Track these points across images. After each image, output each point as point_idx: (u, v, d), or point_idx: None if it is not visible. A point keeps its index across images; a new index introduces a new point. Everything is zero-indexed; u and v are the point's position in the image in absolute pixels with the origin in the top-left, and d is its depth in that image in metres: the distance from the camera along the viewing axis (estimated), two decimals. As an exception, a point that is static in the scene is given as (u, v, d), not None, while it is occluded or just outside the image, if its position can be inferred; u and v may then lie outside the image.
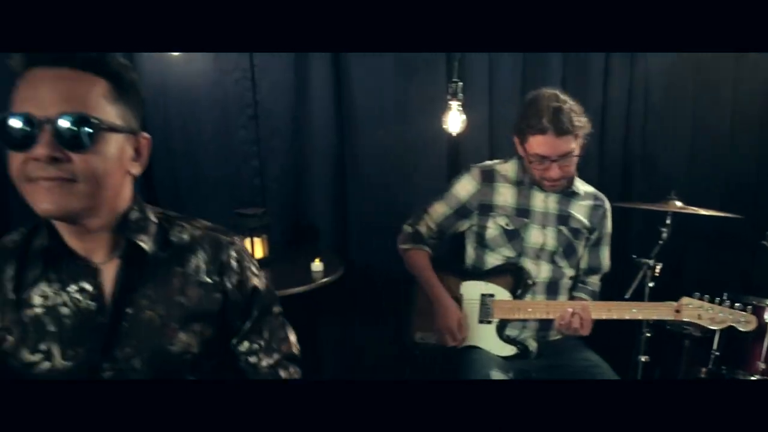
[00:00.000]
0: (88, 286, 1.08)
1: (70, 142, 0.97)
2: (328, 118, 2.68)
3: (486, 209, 2.15)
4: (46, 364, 1.07)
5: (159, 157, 2.47)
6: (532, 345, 2.14)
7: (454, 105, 2.36)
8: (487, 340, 2.13)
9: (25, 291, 1.09)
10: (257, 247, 2.43)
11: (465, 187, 2.18)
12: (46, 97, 0.97)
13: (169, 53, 2.39)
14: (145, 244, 1.10)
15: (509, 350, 2.10)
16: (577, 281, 2.24)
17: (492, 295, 2.14)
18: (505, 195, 2.14)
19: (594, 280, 2.25)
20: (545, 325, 2.13)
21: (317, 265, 2.34)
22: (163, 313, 1.11)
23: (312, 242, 2.75)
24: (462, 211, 2.18)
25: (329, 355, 2.88)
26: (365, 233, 2.78)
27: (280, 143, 2.69)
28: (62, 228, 1.07)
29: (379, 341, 2.57)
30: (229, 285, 1.16)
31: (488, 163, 2.22)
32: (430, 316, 2.16)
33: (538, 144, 1.99)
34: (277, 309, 1.26)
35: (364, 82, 2.67)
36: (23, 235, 1.13)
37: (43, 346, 1.08)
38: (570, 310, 2.00)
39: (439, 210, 2.21)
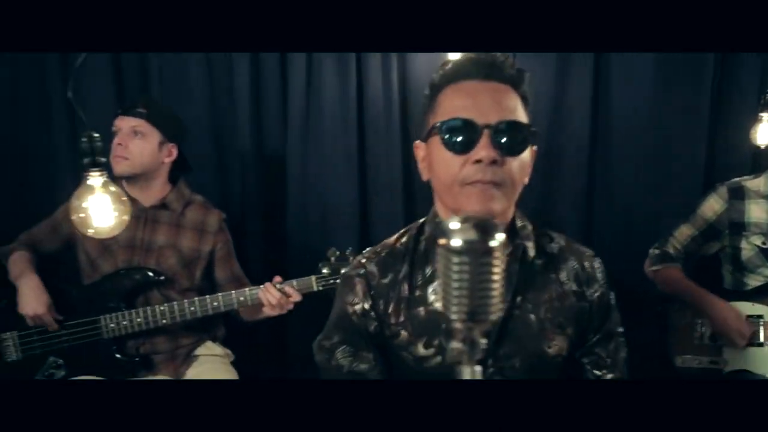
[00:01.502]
0: None
1: (507, 146, 1.06)
2: (583, 127, 2.69)
3: (737, 228, 2.06)
4: (438, 359, 1.15)
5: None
6: (817, 371, 2.02)
7: (766, 117, 2.28)
8: (761, 364, 2.02)
9: (419, 289, 1.17)
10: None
11: (711, 206, 2.10)
12: (485, 105, 1.06)
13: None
14: (531, 250, 1.17)
15: None
16: None
17: (761, 317, 2.03)
18: (758, 212, 2.04)
19: None
20: None
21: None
22: (542, 316, 1.16)
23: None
24: (709, 232, 2.11)
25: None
26: (611, 246, 2.74)
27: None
28: None
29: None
30: (592, 296, 1.20)
31: (736, 179, 2.12)
32: (688, 338, 2.10)
33: None
34: (620, 329, 1.27)
35: (623, 90, 2.64)
36: (411, 236, 1.23)
37: (435, 342, 1.15)
38: None
39: (686, 232, 2.16)
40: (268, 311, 1.95)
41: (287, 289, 1.92)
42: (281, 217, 2.64)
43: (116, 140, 1.97)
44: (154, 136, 1.99)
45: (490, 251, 0.70)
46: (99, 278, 2.01)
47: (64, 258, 2.14)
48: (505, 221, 1.15)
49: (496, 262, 0.70)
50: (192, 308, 1.95)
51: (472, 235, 0.70)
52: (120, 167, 1.96)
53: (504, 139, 1.05)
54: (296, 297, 1.92)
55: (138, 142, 1.96)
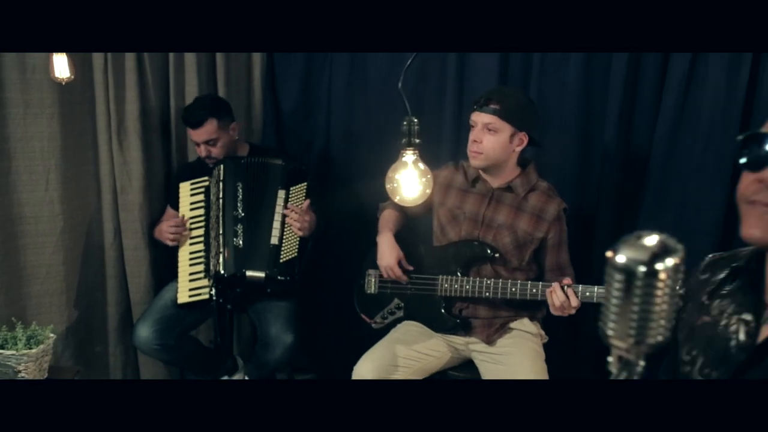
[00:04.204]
0: (749, 319, 1.04)
1: None
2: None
3: None
4: (687, 369, 1.12)
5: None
6: None
7: None
8: None
9: (711, 296, 1.12)
10: None
11: None
12: None
13: None
14: None
15: None
16: None
17: None
18: None
19: None
20: None
21: None
22: None
23: None
24: None
25: None
26: None
27: None
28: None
29: None
30: None
31: None
32: None
33: None
34: None
35: None
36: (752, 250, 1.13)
37: (694, 352, 1.12)
38: None
39: None
40: (552, 311, 2.02)
41: (570, 292, 1.97)
42: (634, 216, 2.56)
43: (471, 136, 2.16)
44: (505, 129, 2.12)
45: (654, 274, 0.68)
46: (446, 243, 2.29)
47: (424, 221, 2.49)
48: None
49: (659, 285, 0.68)
50: (513, 289, 2.10)
51: (639, 254, 0.69)
52: (475, 161, 2.17)
53: None
54: (575, 303, 1.97)
55: (490, 138, 2.12)
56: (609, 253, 0.69)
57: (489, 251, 2.18)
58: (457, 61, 2.76)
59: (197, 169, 2.69)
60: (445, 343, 2.26)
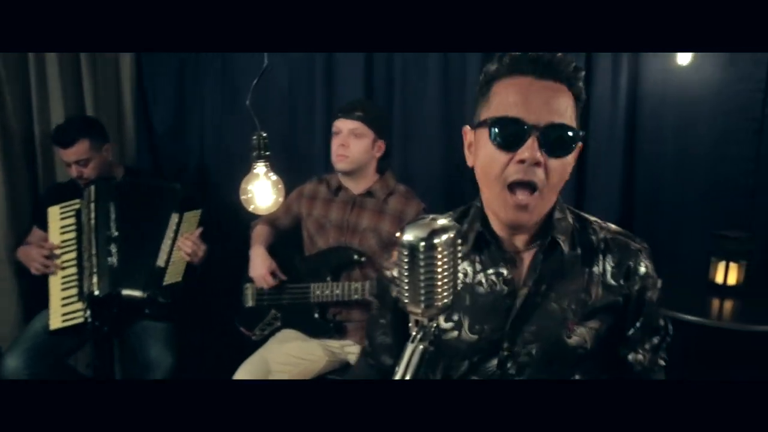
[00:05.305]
0: (504, 272, 1.19)
1: (552, 149, 1.07)
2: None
3: None
4: (455, 333, 1.21)
5: (647, 165, 2.54)
6: None
7: None
8: None
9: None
10: (731, 273, 2.29)
11: None
12: (536, 105, 1.07)
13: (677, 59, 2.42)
14: (563, 243, 1.18)
15: None
16: None
17: None
18: None
19: None
20: None
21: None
22: (566, 306, 1.17)
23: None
24: None
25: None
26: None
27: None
28: (493, 219, 1.20)
29: None
30: (629, 291, 1.20)
31: None
32: None
33: None
34: (663, 323, 1.27)
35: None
36: (457, 216, 1.26)
37: (455, 317, 1.21)
38: None
39: None
40: None
41: None
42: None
43: (338, 141, 2.27)
44: (368, 136, 2.26)
45: (432, 247, 0.79)
46: (315, 252, 2.38)
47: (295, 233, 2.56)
48: (542, 215, 1.17)
49: (438, 256, 0.79)
50: None
51: (420, 232, 0.80)
52: (341, 164, 2.28)
53: (550, 142, 1.07)
54: None
55: (357, 142, 2.26)
56: (398, 234, 0.80)
57: (356, 256, 2.28)
58: (325, 69, 2.87)
59: (67, 190, 2.63)
60: (321, 347, 2.33)
